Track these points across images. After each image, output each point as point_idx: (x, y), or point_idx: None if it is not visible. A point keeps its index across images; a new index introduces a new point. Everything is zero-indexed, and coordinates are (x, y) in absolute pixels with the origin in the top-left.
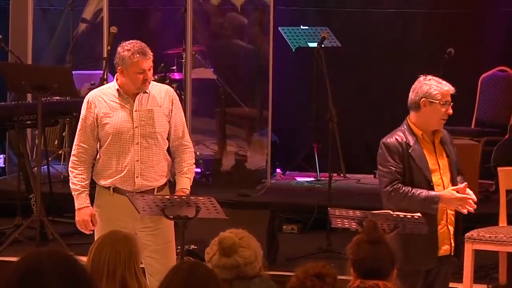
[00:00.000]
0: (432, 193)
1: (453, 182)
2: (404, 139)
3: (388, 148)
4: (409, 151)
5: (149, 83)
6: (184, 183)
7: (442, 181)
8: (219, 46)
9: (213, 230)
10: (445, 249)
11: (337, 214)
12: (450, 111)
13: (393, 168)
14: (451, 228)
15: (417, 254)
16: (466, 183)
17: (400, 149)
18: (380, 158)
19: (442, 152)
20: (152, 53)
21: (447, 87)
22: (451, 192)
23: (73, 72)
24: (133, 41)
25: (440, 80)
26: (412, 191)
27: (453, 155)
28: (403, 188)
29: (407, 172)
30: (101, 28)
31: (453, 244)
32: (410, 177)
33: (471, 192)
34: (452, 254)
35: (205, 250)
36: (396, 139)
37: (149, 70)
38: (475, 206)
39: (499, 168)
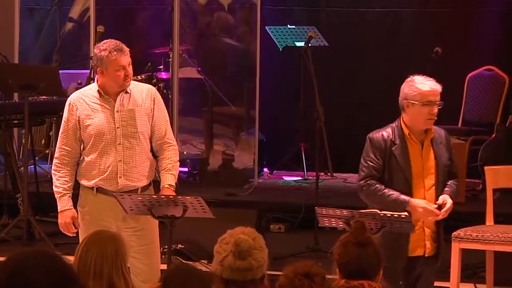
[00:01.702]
0: (402, 197)
1: (438, 186)
2: (391, 136)
3: (372, 143)
4: (392, 148)
5: (131, 79)
6: (169, 180)
7: (424, 184)
8: (206, 45)
9: (200, 229)
10: (420, 250)
11: (324, 213)
12: (435, 110)
13: (372, 164)
14: (428, 230)
15: (385, 251)
16: (451, 203)
17: (383, 146)
18: (364, 151)
19: (429, 153)
20: (128, 49)
21: (428, 87)
22: (423, 204)
23: (60, 71)
24: (108, 40)
25: (424, 79)
26: (384, 190)
27: (443, 158)
28: (376, 186)
29: (387, 170)
30: (88, 27)
31: (428, 246)
32: (390, 175)
33: (447, 208)
34: (427, 255)
35: (215, 249)
36: (383, 135)
37: (128, 66)
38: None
39: (486, 167)
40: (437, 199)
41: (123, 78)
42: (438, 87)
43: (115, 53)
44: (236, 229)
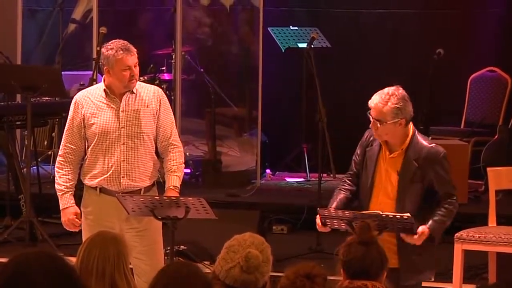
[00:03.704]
0: (334, 200)
1: (399, 201)
2: (372, 137)
3: (361, 138)
4: (367, 149)
5: (136, 80)
6: (174, 181)
7: (383, 193)
8: (209, 46)
9: (202, 230)
10: None
11: (327, 214)
12: (371, 123)
13: (354, 158)
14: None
15: None
16: (418, 235)
17: (364, 144)
18: None
19: (394, 166)
20: (136, 50)
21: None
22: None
23: (63, 72)
24: (116, 40)
25: (380, 92)
26: (336, 191)
27: (409, 175)
28: (342, 184)
29: (363, 168)
30: (91, 28)
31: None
32: (361, 174)
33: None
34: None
35: (221, 255)
36: (369, 133)
37: (134, 66)
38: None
39: (488, 169)
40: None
41: (129, 78)
42: (372, 101)
43: (121, 52)
44: (245, 237)
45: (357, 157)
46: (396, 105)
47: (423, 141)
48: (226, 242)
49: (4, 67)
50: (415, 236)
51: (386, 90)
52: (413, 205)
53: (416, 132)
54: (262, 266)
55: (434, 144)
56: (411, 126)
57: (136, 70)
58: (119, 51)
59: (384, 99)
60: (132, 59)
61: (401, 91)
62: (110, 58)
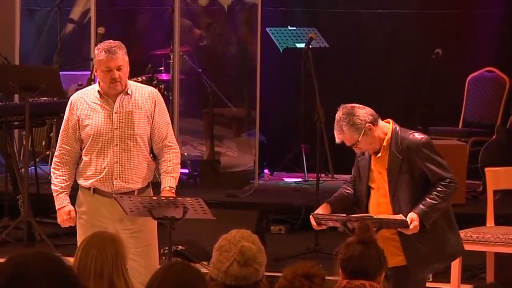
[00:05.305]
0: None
1: (393, 197)
2: None
3: None
4: (359, 158)
5: (121, 84)
6: (170, 182)
7: (377, 193)
8: (207, 46)
9: (200, 231)
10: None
11: (321, 218)
12: None
13: (353, 168)
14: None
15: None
16: (412, 226)
17: (357, 154)
18: None
19: (382, 164)
20: (124, 55)
21: None
22: (313, 222)
23: (61, 72)
24: (110, 40)
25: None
26: (342, 188)
27: (396, 167)
28: (341, 187)
29: (357, 176)
30: (89, 28)
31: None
32: (357, 183)
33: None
34: (392, 266)
35: (215, 257)
36: None
37: (117, 70)
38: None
39: (486, 169)
40: (394, 211)
41: (110, 81)
42: (336, 139)
43: (103, 53)
44: (232, 234)
45: (354, 167)
46: (349, 125)
47: (403, 134)
48: (215, 245)
49: (2, 67)
50: (410, 226)
51: (336, 120)
52: (406, 196)
53: (398, 127)
54: (258, 256)
55: (412, 134)
56: (391, 123)
57: (120, 74)
58: (102, 52)
59: (339, 130)
60: (115, 62)
61: (345, 109)
62: (95, 58)
